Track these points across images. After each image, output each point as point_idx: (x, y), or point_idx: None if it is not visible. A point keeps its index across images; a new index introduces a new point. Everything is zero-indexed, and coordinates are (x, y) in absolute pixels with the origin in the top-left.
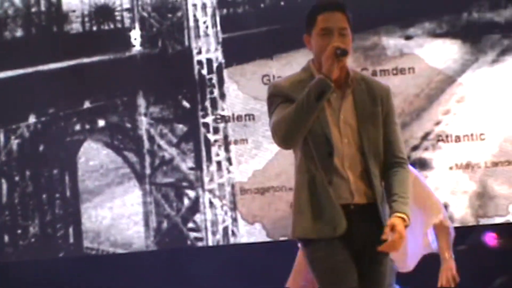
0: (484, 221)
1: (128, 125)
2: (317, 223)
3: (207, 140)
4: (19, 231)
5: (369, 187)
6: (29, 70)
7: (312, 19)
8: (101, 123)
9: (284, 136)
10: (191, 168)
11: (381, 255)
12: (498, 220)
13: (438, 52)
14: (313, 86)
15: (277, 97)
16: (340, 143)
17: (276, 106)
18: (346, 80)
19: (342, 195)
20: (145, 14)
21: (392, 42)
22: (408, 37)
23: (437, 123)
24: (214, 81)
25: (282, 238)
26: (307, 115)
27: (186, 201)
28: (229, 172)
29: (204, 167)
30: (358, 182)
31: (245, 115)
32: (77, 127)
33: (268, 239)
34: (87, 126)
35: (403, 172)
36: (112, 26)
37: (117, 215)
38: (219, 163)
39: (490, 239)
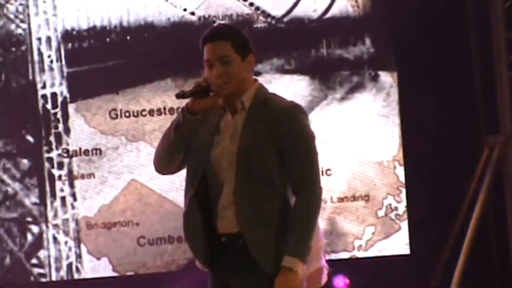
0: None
1: None
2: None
3: (51, 175)
4: None
5: (236, 216)
6: None
7: (202, 51)
8: None
9: (154, 160)
10: (34, 203)
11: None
12: (343, 255)
13: (286, 89)
14: (176, 117)
15: None
16: (220, 170)
17: None
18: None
19: (214, 225)
20: None
21: None
22: (256, 73)
23: None
24: (59, 115)
25: (128, 273)
26: (167, 144)
27: (29, 237)
28: (73, 207)
29: (48, 202)
30: (227, 212)
31: (92, 150)
32: None
33: (114, 274)
34: None
35: (298, 208)
36: None
37: None
38: (63, 199)
39: (340, 282)
